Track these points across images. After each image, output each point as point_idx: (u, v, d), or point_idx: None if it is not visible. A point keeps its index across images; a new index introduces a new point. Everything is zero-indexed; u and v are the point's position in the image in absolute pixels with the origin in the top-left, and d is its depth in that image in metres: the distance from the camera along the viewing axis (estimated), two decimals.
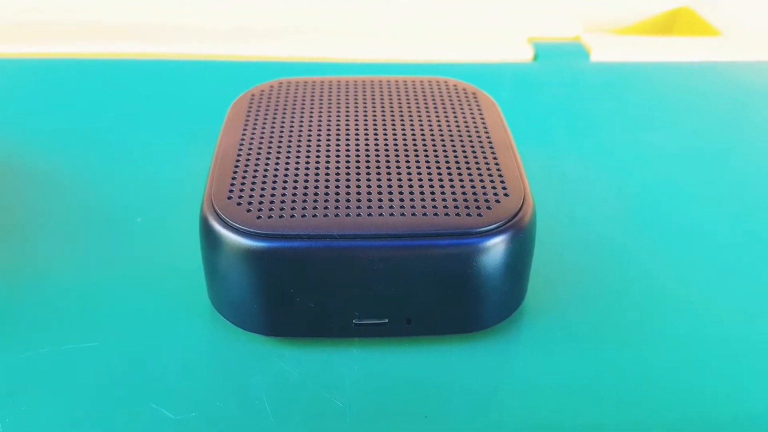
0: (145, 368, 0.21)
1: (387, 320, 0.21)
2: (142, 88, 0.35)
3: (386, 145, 0.23)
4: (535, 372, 0.21)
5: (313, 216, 0.20)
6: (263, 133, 0.24)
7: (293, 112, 0.25)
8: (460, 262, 0.20)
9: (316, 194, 0.21)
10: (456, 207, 0.21)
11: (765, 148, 0.32)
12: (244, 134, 0.24)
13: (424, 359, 0.21)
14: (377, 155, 0.23)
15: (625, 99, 0.36)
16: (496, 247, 0.20)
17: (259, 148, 0.23)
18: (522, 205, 0.21)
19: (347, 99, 0.26)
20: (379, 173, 0.22)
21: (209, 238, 0.20)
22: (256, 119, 0.24)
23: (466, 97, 0.26)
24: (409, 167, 0.22)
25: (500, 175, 0.22)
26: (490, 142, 0.24)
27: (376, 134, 0.24)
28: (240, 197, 0.21)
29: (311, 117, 0.25)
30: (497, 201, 0.21)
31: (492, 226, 0.20)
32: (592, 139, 0.32)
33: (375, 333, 0.21)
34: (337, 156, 0.22)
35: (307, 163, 0.22)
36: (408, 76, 0.28)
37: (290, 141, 0.23)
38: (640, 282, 0.24)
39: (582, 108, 0.34)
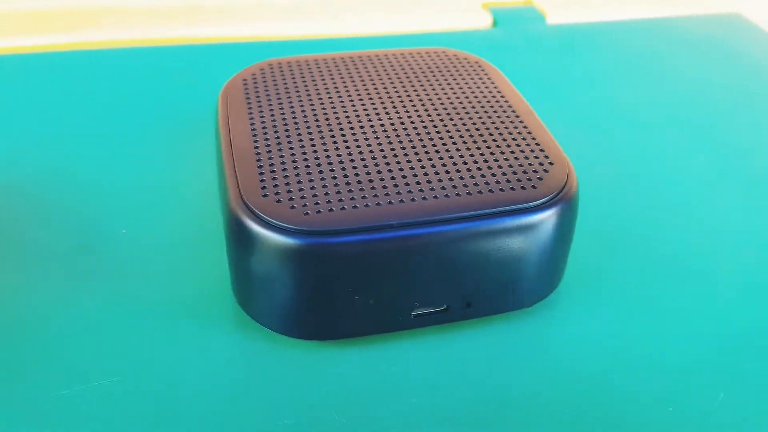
0: (183, 402, 0.18)
1: (446, 306, 0.20)
2: (102, 81, 0.32)
3: (411, 122, 0.22)
4: (594, 336, 0.21)
5: (365, 206, 0.18)
6: (274, 120, 0.21)
7: (298, 95, 0.23)
8: (522, 236, 0.19)
9: (359, 182, 0.19)
10: (508, 181, 0.19)
11: (724, 96, 0.33)
12: (252, 123, 0.21)
13: (486, 340, 0.20)
14: (406, 134, 0.21)
15: (586, 59, 0.36)
16: (552, 217, 0.19)
17: (277, 138, 0.21)
18: (568, 174, 0.20)
19: (350, 77, 0.24)
20: (416, 153, 0.20)
21: (248, 242, 0.18)
22: (260, 105, 0.22)
23: (471, 66, 0.25)
24: (443, 144, 0.21)
25: (537, 144, 0.21)
26: (513, 112, 0.23)
27: (396, 111, 0.22)
28: (277, 194, 0.18)
29: (320, 99, 0.23)
30: (545, 171, 0.20)
31: (548, 198, 0.19)
32: (565, 101, 0.32)
33: (432, 321, 0.20)
34: (365, 138, 0.21)
35: (336, 148, 0.20)
36: (403, 48, 0.26)
37: (307, 126, 0.21)
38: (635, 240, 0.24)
39: (549, 71, 0.34)
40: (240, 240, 0.19)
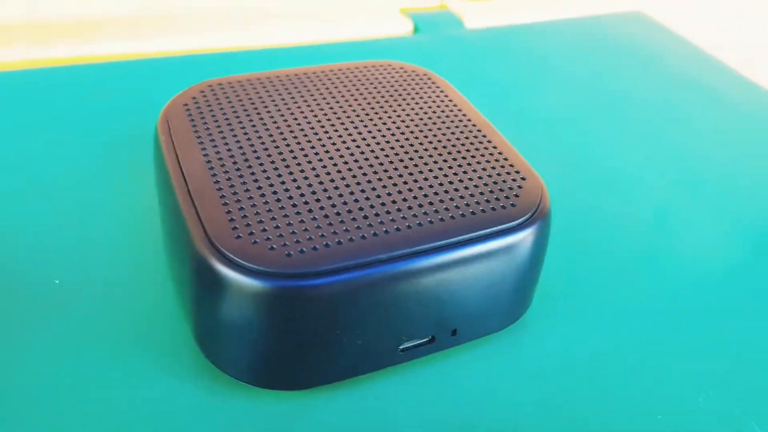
0: None
1: (432, 336, 0.19)
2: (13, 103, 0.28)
3: (376, 142, 0.20)
4: (582, 342, 0.20)
5: (349, 240, 0.17)
6: (228, 147, 0.20)
7: (249, 118, 0.21)
8: (506, 256, 0.19)
9: (337, 213, 0.18)
10: (487, 201, 0.19)
11: (645, 91, 0.35)
12: (205, 152, 0.19)
13: (471, 365, 0.20)
14: (374, 156, 0.20)
15: (508, 62, 0.36)
16: (533, 234, 0.19)
17: (237, 168, 0.19)
18: (542, 189, 0.20)
19: (301, 96, 0.22)
20: (388, 176, 0.19)
21: (223, 289, 0.16)
22: (209, 132, 0.20)
23: (421, 79, 0.24)
24: (414, 165, 0.20)
25: (505, 159, 0.21)
26: (474, 125, 0.22)
27: (357, 132, 0.21)
28: (251, 234, 0.17)
29: (274, 121, 0.21)
30: (519, 187, 0.20)
31: (528, 215, 0.19)
32: (497, 104, 0.32)
33: (418, 354, 0.19)
34: (333, 164, 0.19)
35: (305, 177, 0.19)
36: (346, 63, 0.25)
37: (267, 153, 0.20)
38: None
39: (478, 76, 0.34)
40: (211, 288, 0.17)
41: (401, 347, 0.19)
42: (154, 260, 0.22)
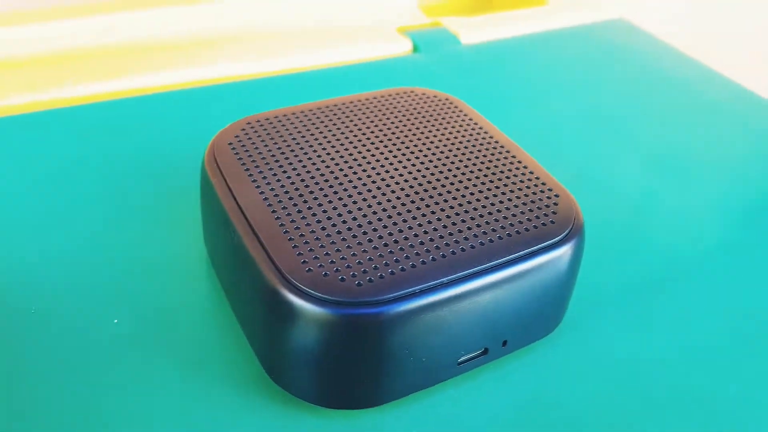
0: None
1: (485, 348, 0.20)
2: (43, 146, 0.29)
3: (417, 170, 0.22)
4: (618, 344, 0.22)
5: (411, 266, 0.18)
6: (281, 183, 0.21)
7: (294, 154, 0.22)
8: (549, 271, 0.20)
9: (395, 241, 0.19)
10: (528, 220, 0.20)
11: (642, 98, 0.36)
12: (259, 188, 0.20)
13: (520, 371, 0.21)
14: (418, 183, 0.21)
15: (507, 75, 0.37)
16: (572, 247, 0.20)
17: (294, 204, 0.20)
18: (575, 205, 0.21)
19: (338, 128, 0.23)
20: (436, 203, 0.20)
21: (300, 322, 0.18)
22: (259, 170, 0.21)
23: (444, 104, 0.26)
24: (456, 189, 0.21)
25: (537, 178, 0.22)
26: (503, 147, 0.23)
27: (397, 160, 0.22)
28: (320, 266, 0.18)
29: (318, 155, 0.22)
30: (555, 204, 0.21)
31: (567, 231, 0.20)
32: (508, 117, 0.33)
33: (473, 365, 0.20)
34: (382, 194, 0.21)
35: (359, 208, 0.20)
36: (371, 92, 0.26)
37: (318, 186, 0.21)
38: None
39: (479, 90, 0.35)
40: (286, 319, 0.18)
41: (459, 360, 0.20)
42: (206, 292, 0.23)
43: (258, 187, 0.21)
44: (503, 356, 0.21)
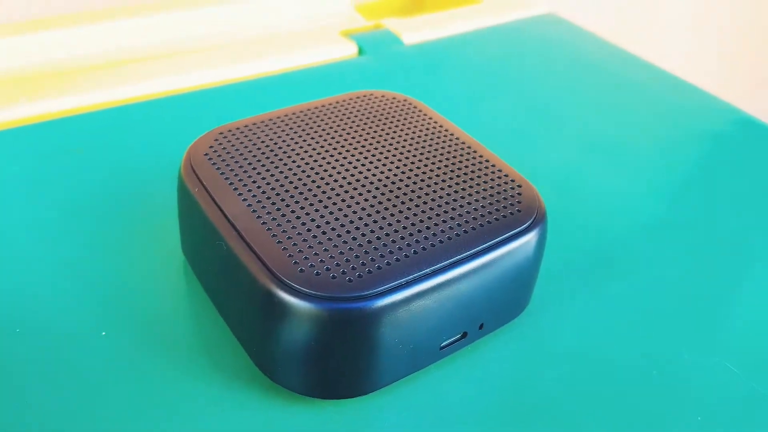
0: None
1: (465, 332, 0.22)
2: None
3: (387, 169, 0.23)
4: (582, 324, 0.24)
5: (395, 261, 0.20)
6: (263, 191, 0.22)
7: (270, 160, 0.23)
8: (519, 257, 0.22)
9: (378, 238, 0.20)
10: (497, 210, 0.22)
11: (574, 86, 0.39)
12: (243, 197, 0.21)
13: (496, 352, 0.23)
14: (392, 182, 0.22)
15: (450, 73, 0.39)
16: (537, 234, 0.22)
17: (277, 209, 0.21)
18: (536, 194, 0.23)
19: (308, 134, 0.24)
20: (410, 199, 0.22)
21: (295, 319, 0.19)
22: (239, 178, 0.22)
23: (404, 105, 0.27)
24: (428, 186, 0.22)
25: (500, 170, 0.24)
26: (463, 143, 0.25)
27: (368, 161, 0.23)
28: (311, 266, 0.19)
29: (293, 161, 0.23)
30: (519, 194, 0.23)
31: (532, 218, 0.22)
32: (456, 113, 0.35)
33: (454, 349, 0.22)
34: (360, 194, 0.22)
35: (340, 209, 0.21)
36: (333, 97, 0.27)
37: (299, 191, 0.22)
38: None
39: (426, 89, 0.37)
40: (281, 318, 0.19)
41: (441, 345, 0.21)
42: (189, 298, 0.24)
43: (240, 194, 0.21)
44: (479, 339, 0.23)
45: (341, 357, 0.19)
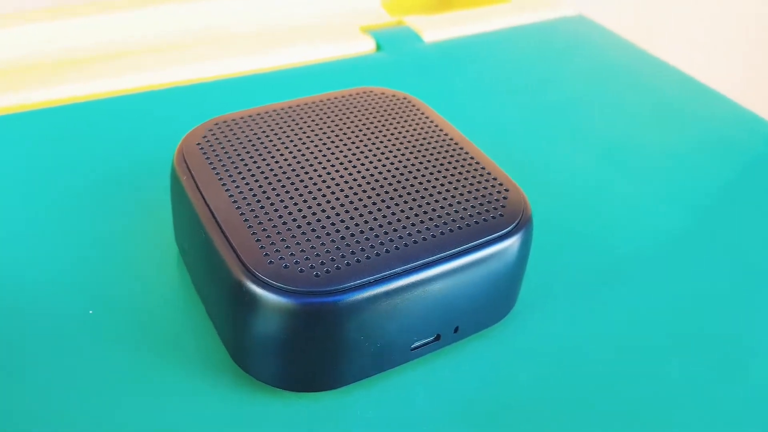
0: None
1: (438, 335, 0.22)
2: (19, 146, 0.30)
3: (374, 167, 0.23)
4: (566, 331, 0.24)
5: (366, 258, 0.20)
6: (247, 183, 0.22)
7: (258, 152, 0.23)
8: (499, 261, 0.21)
9: (352, 234, 0.20)
10: (479, 213, 0.22)
11: (598, 93, 0.38)
12: (226, 188, 0.22)
13: (471, 356, 0.23)
14: (375, 180, 0.22)
15: (470, 72, 0.39)
16: (519, 239, 0.22)
17: (257, 200, 0.21)
18: (524, 198, 0.23)
19: (301, 128, 0.25)
20: (390, 198, 0.22)
21: (263, 310, 0.19)
22: (226, 169, 0.22)
23: (402, 103, 0.27)
24: (411, 185, 0.22)
25: (488, 173, 0.24)
26: (457, 144, 0.25)
27: (356, 158, 0.23)
28: (281, 259, 0.19)
29: (280, 153, 0.23)
30: (505, 198, 0.22)
31: (514, 223, 0.22)
32: (468, 114, 0.35)
33: (427, 351, 0.22)
34: (341, 190, 0.22)
35: (318, 204, 0.21)
36: (333, 92, 0.27)
37: (280, 183, 0.22)
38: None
39: (442, 88, 0.37)
40: (249, 308, 0.19)
41: (412, 346, 0.21)
42: (176, 285, 0.24)
43: (224, 185, 0.22)
44: (456, 342, 0.23)
45: (305, 351, 0.20)
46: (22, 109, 0.32)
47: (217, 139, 0.24)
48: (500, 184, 0.23)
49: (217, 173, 0.22)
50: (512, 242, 0.22)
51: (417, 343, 0.21)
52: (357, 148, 0.24)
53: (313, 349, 0.20)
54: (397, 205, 0.22)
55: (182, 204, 0.23)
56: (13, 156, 0.29)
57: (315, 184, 0.22)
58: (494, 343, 0.23)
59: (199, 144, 0.24)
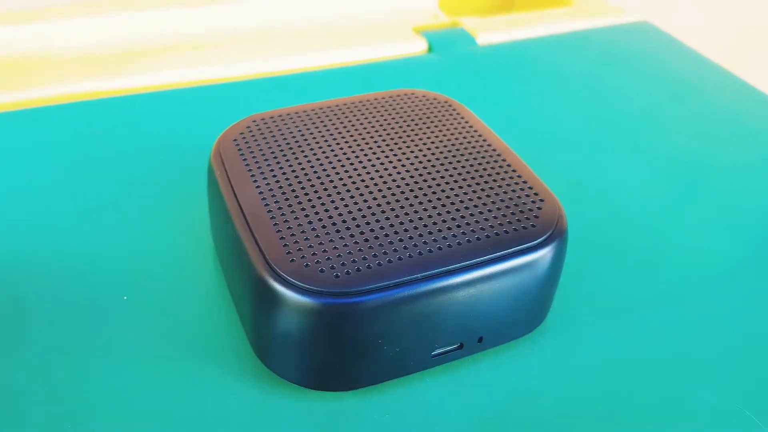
0: None
1: (461, 343, 0.21)
2: (74, 136, 0.31)
3: (406, 170, 0.23)
4: (593, 351, 0.23)
5: (388, 262, 0.19)
6: (276, 180, 0.22)
7: (292, 151, 0.23)
8: (527, 273, 0.21)
9: (376, 237, 0.20)
10: (509, 222, 0.21)
11: (659, 104, 0.37)
12: (257, 185, 0.22)
13: (496, 368, 0.22)
14: (405, 183, 0.22)
15: (522, 77, 0.38)
16: (551, 251, 0.21)
17: (285, 198, 0.21)
18: (559, 209, 0.22)
19: (335, 128, 0.25)
20: (419, 202, 0.21)
21: (281, 307, 0.19)
22: (258, 166, 0.23)
23: (443, 107, 0.27)
24: (441, 190, 0.22)
25: (525, 182, 0.23)
26: (495, 150, 0.24)
27: (388, 160, 0.23)
28: (303, 258, 0.19)
29: (313, 153, 0.23)
30: (539, 208, 0.22)
31: (546, 234, 0.21)
32: (515, 120, 0.34)
33: (448, 359, 0.22)
34: (370, 192, 0.22)
35: (346, 205, 0.21)
36: (374, 93, 0.27)
37: (310, 182, 0.22)
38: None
39: (491, 92, 0.36)
40: (269, 305, 0.19)
41: (433, 353, 0.21)
42: (209, 278, 0.24)
43: (255, 182, 0.22)
44: (480, 352, 0.22)
45: (321, 350, 0.19)
46: (82, 97, 0.34)
47: (253, 135, 0.24)
48: (535, 194, 0.22)
49: (250, 170, 0.23)
50: (542, 254, 0.21)
51: (438, 351, 0.21)
52: (391, 150, 0.24)
53: (329, 350, 0.19)
54: (425, 210, 0.21)
55: (215, 198, 0.23)
56: (62, 145, 0.30)
57: (344, 185, 0.22)
58: (520, 356, 0.23)
59: (235, 140, 0.24)
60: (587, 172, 0.31)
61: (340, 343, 0.19)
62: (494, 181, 0.23)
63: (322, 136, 0.24)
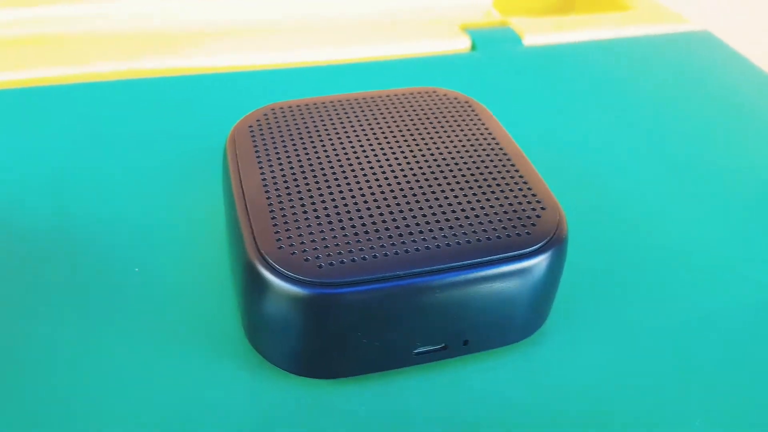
0: None
1: (445, 344, 0.21)
2: (103, 116, 0.32)
3: (410, 168, 0.23)
4: (583, 365, 0.22)
5: (373, 257, 0.20)
6: (282, 169, 0.23)
7: (302, 142, 0.24)
8: (518, 280, 0.21)
9: (365, 232, 0.20)
10: (504, 228, 0.21)
11: (700, 113, 0.35)
12: (262, 173, 0.22)
13: (481, 373, 0.22)
14: (406, 181, 0.22)
15: (564, 81, 0.37)
16: (544, 261, 0.21)
17: (287, 187, 0.22)
18: (559, 219, 0.22)
19: (350, 121, 0.25)
20: (416, 200, 0.22)
21: (263, 291, 0.20)
22: (267, 154, 0.23)
23: (462, 107, 0.27)
24: (441, 190, 0.22)
25: (529, 189, 0.23)
26: (506, 155, 0.24)
27: (395, 157, 0.23)
28: (291, 245, 0.20)
29: (323, 145, 0.24)
30: (538, 216, 0.22)
31: (541, 243, 0.21)
32: (542, 124, 0.33)
33: (431, 358, 0.22)
34: (369, 186, 0.22)
35: (342, 197, 0.22)
36: (393, 89, 0.27)
37: (313, 174, 0.22)
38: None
39: (527, 94, 0.36)
40: (256, 289, 0.20)
41: (415, 351, 0.21)
42: (218, 261, 0.25)
43: (261, 169, 0.23)
44: (467, 355, 0.22)
45: (301, 337, 0.20)
46: (109, 76, 0.35)
47: (268, 124, 0.25)
48: (537, 201, 0.22)
49: (258, 157, 0.23)
50: (536, 262, 0.21)
51: (421, 349, 0.21)
52: (399, 147, 0.24)
53: (309, 337, 0.20)
54: (421, 209, 0.21)
55: (226, 183, 0.24)
56: (86, 122, 0.32)
57: (347, 178, 0.22)
58: (507, 363, 0.22)
59: (250, 127, 0.25)
60: (611, 186, 0.30)
61: (318, 332, 0.20)
62: (497, 185, 0.23)
63: (335, 129, 0.25)
